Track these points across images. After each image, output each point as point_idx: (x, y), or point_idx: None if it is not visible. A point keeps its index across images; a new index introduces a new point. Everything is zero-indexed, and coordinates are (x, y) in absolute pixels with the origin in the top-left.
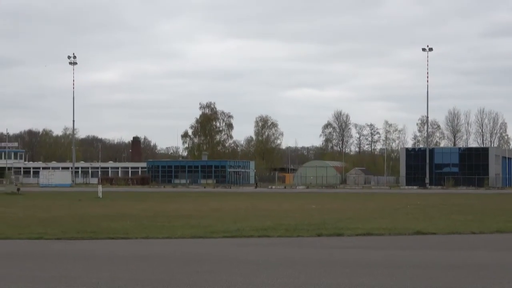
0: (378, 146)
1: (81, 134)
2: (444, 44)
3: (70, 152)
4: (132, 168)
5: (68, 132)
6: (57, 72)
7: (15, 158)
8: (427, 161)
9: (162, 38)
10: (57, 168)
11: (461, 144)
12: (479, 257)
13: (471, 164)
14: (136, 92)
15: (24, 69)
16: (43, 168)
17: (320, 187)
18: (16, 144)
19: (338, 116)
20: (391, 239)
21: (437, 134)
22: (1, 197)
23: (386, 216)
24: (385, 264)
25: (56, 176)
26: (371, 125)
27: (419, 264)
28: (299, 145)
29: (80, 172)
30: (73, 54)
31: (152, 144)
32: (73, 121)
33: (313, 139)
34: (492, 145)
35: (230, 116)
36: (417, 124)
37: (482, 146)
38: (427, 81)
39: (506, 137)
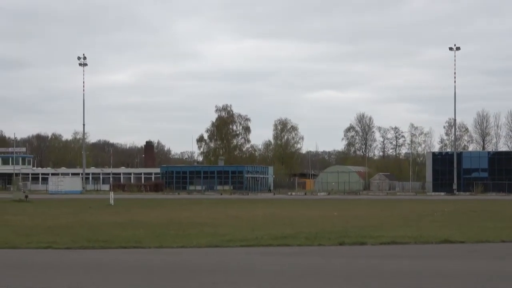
0: (403, 150)
1: (92, 138)
2: (471, 43)
3: (80, 157)
4: (145, 174)
5: (78, 137)
6: (68, 74)
7: (23, 163)
8: (455, 166)
9: (177, 38)
10: (67, 174)
11: (490, 148)
12: (510, 266)
13: (501, 169)
14: (150, 95)
15: (33, 71)
16: (52, 174)
17: (342, 193)
18: (24, 149)
19: (361, 118)
20: (417, 247)
21: (465, 137)
22: (8, 205)
23: (411, 223)
24: (411, 274)
25: (65, 182)
26: (395, 128)
27: (447, 274)
28: (320, 149)
29: (90, 178)
30: (83, 55)
31: (166, 148)
32: (84, 125)
33: (334, 143)
34: None
35: (247, 119)
36: (444, 127)
37: None
38: (455, 82)
39: None
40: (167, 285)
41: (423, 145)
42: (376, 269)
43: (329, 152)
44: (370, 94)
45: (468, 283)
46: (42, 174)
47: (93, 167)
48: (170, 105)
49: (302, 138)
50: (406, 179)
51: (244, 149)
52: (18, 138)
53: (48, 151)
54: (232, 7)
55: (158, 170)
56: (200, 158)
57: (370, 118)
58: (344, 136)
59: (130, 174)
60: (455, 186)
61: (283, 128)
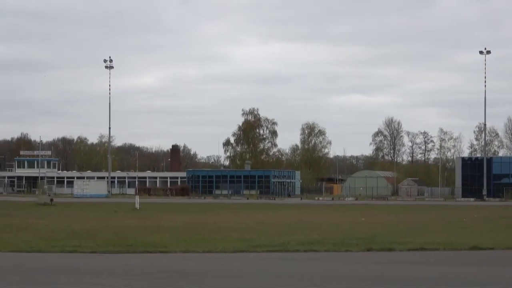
0: (432, 155)
1: (118, 142)
2: (501, 47)
3: (105, 160)
4: (171, 178)
5: (103, 140)
6: (93, 76)
7: (48, 167)
8: (485, 171)
9: (203, 41)
10: (92, 177)
11: None
12: None
13: None
14: (176, 98)
15: (58, 74)
16: (78, 177)
17: (370, 198)
18: (49, 153)
19: (389, 123)
20: (446, 254)
21: (496, 142)
22: (33, 208)
23: (440, 230)
24: (439, 281)
25: (91, 186)
26: (424, 133)
27: (476, 281)
28: (348, 154)
29: (116, 182)
30: (109, 57)
31: (192, 152)
32: (109, 128)
33: (362, 147)
34: None
35: (274, 123)
36: (474, 131)
37: None
38: (485, 86)
39: None
40: None
41: (452, 150)
42: (404, 275)
43: (357, 157)
44: (399, 98)
45: None
46: (68, 177)
47: (118, 171)
48: (196, 108)
49: (330, 142)
50: (435, 185)
51: (270, 153)
52: (44, 141)
53: (73, 154)
54: (259, 10)
55: (184, 174)
56: (227, 162)
57: (398, 123)
58: (372, 140)
59: (155, 178)
60: (484, 192)
61: (311, 132)
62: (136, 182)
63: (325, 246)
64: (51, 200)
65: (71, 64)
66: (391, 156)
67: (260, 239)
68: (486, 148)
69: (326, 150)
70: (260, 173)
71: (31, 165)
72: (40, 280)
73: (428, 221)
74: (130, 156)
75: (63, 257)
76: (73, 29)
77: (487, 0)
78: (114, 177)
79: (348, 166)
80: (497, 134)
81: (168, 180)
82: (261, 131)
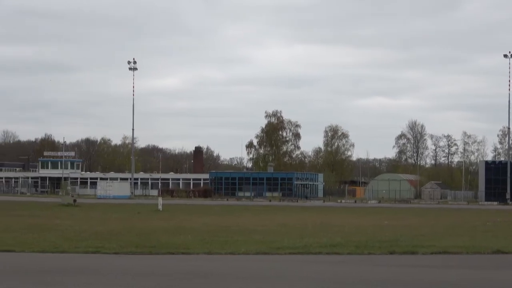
0: (456, 159)
1: (141, 143)
2: None
3: (129, 162)
4: (193, 179)
5: (127, 141)
6: (116, 78)
7: (72, 168)
8: (508, 175)
9: (226, 43)
10: (116, 179)
11: None
12: None
13: None
14: (199, 100)
15: (82, 75)
16: (101, 178)
17: (393, 201)
18: (73, 154)
19: (413, 126)
20: (468, 258)
21: None
22: (57, 209)
23: (463, 233)
24: (462, 285)
25: (114, 187)
26: (448, 136)
27: (499, 285)
28: (371, 156)
29: (139, 183)
30: (133, 59)
31: (215, 154)
32: (133, 129)
33: (385, 150)
34: None
35: (297, 125)
36: (498, 135)
37: None
38: (509, 90)
39: None
40: None
41: (476, 154)
42: (426, 279)
43: (380, 160)
44: (422, 101)
45: None
46: (91, 178)
47: (141, 172)
48: (220, 110)
49: (353, 145)
50: (458, 188)
51: (293, 156)
52: (67, 142)
53: (97, 155)
54: (282, 12)
55: (207, 176)
56: (249, 164)
57: (422, 126)
58: (396, 143)
59: (178, 179)
60: (508, 196)
61: (334, 134)
62: (159, 184)
63: (347, 249)
64: (75, 201)
65: (95, 66)
66: (414, 159)
67: (283, 241)
68: (510, 152)
69: (349, 153)
70: (283, 175)
71: (54, 166)
72: (63, 281)
73: (451, 224)
74: (153, 157)
75: (86, 258)
76: (97, 31)
77: (511, 3)
78: (137, 179)
79: (371, 169)
80: None
81: (191, 181)
82: (284, 134)
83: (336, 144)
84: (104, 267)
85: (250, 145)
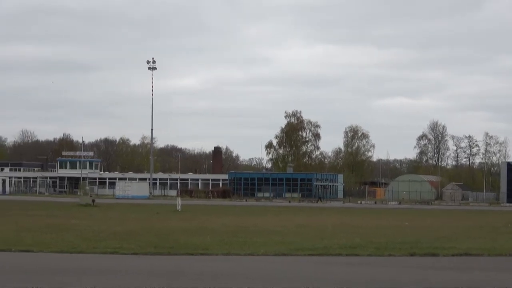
0: (477, 160)
1: (160, 143)
2: None
3: (148, 162)
4: (212, 180)
5: (146, 141)
6: (136, 78)
7: (91, 168)
8: None
9: (247, 43)
10: (134, 179)
11: None
12: None
13: None
14: (219, 100)
15: (101, 75)
16: (120, 178)
17: (414, 203)
18: (91, 153)
19: (434, 127)
20: (490, 260)
21: None
22: (75, 209)
23: (485, 235)
24: (483, 287)
25: (133, 187)
26: (469, 137)
27: None
28: (391, 157)
29: (158, 183)
30: (152, 58)
31: (234, 154)
32: (152, 129)
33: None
34: None
35: (317, 126)
36: None
37: None
38: None
39: None
40: None
41: (498, 155)
42: (447, 281)
43: (400, 161)
44: (444, 102)
45: None
46: (109, 178)
47: (160, 172)
48: (239, 110)
49: (373, 145)
50: (479, 190)
51: (313, 156)
52: (86, 142)
53: (115, 155)
54: (303, 12)
55: (226, 176)
56: (269, 165)
57: (443, 127)
58: (416, 144)
59: (197, 180)
60: None
61: (354, 135)
62: (178, 184)
63: (367, 250)
64: (93, 201)
65: (115, 65)
66: (435, 160)
67: (302, 243)
68: None
69: (369, 154)
70: (303, 176)
71: (73, 166)
72: (81, 281)
73: (472, 226)
74: (172, 157)
75: (104, 258)
76: (117, 30)
77: None
78: (156, 179)
79: (391, 170)
80: None
81: (210, 182)
82: (304, 134)
83: (356, 144)
84: (122, 268)
85: (269, 146)
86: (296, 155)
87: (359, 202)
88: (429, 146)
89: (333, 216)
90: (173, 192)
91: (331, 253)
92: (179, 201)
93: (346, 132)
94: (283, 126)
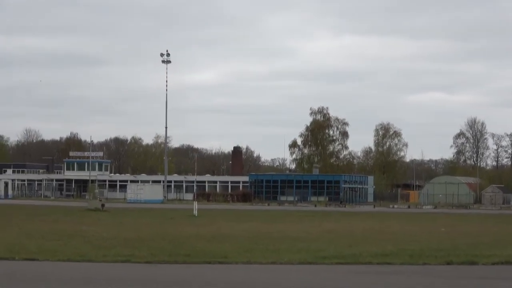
0: None
1: (175, 143)
2: None
3: (161, 163)
4: (232, 182)
5: (159, 141)
6: (148, 72)
7: (100, 169)
8: None
9: (269, 34)
10: (147, 181)
11: None
12: None
13: None
14: (238, 96)
15: (111, 69)
16: (131, 181)
17: (450, 207)
18: (101, 154)
19: (472, 124)
20: None
21: None
22: (84, 214)
23: None
24: None
25: (145, 190)
26: (511, 135)
27: None
28: (426, 157)
29: (173, 186)
30: (167, 51)
31: (255, 155)
32: (166, 128)
33: (442, 151)
34: None
35: (345, 123)
36: None
37: None
38: None
39: None
40: None
41: None
42: None
43: (435, 161)
44: (483, 97)
45: None
46: (120, 181)
47: (175, 174)
48: (261, 107)
49: (406, 145)
50: None
51: (341, 157)
52: (95, 141)
53: (127, 156)
54: (330, 1)
55: (246, 178)
56: (293, 166)
57: (482, 124)
58: (453, 143)
59: (215, 182)
60: None
61: (385, 133)
62: (194, 187)
63: (400, 259)
64: (103, 205)
65: (125, 59)
66: (473, 160)
67: (329, 250)
68: None
69: (402, 153)
70: (330, 177)
71: (81, 168)
72: None
73: None
74: (188, 158)
75: (115, 267)
76: (127, 21)
77: None
78: (170, 181)
79: (426, 171)
80: None
81: (229, 184)
82: (331, 132)
83: (387, 143)
84: (134, 278)
85: (293, 145)
86: (322, 155)
87: (391, 206)
88: (467, 145)
89: (363, 221)
90: (189, 196)
91: (361, 262)
92: (195, 205)
93: (376, 130)
94: (308, 124)
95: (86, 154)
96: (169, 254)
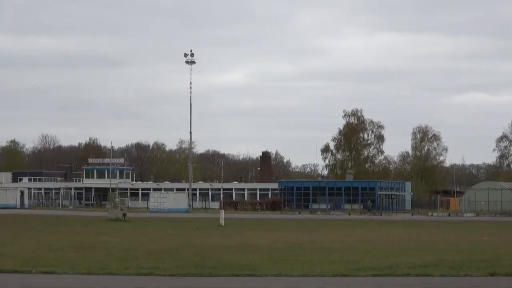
0: None
1: (200, 148)
2: None
3: (186, 170)
4: (260, 189)
5: (184, 146)
6: (171, 73)
7: (121, 177)
8: None
9: (298, 32)
10: (171, 189)
11: None
12: None
13: None
14: (266, 97)
15: (131, 70)
16: (154, 189)
17: (493, 214)
18: (122, 160)
19: None
20: None
21: None
22: (104, 224)
23: None
24: None
25: (169, 199)
26: None
27: None
28: (467, 162)
29: (198, 194)
30: (190, 51)
31: (285, 160)
32: (190, 132)
33: (484, 155)
34: None
35: (380, 126)
36: None
37: None
38: None
39: None
40: None
41: None
42: None
43: (477, 166)
44: None
45: None
46: (142, 189)
47: (200, 182)
48: (290, 109)
49: (446, 149)
50: None
51: (376, 162)
52: (115, 147)
53: (149, 162)
54: None
55: (275, 185)
56: (325, 172)
57: None
58: (496, 146)
59: (243, 190)
60: None
61: (424, 137)
62: (221, 195)
63: (440, 270)
64: (124, 215)
65: (146, 59)
66: None
67: (364, 261)
68: None
69: (442, 158)
70: (364, 184)
71: (101, 175)
72: None
73: None
74: (214, 164)
75: (137, 281)
76: (148, 19)
77: None
78: (195, 189)
79: (467, 177)
80: None
81: (258, 192)
82: (366, 136)
83: (426, 147)
84: None
85: (325, 150)
86: (356, 160)
87: (429, 214)
88: (511, 148)
89: (400, 230)
90: (216, 204)
91: (398, 273)
92: (222, 214)
93: (414, 134)
94: (341, 127)
95: (106, 160)
96: (194, 266)
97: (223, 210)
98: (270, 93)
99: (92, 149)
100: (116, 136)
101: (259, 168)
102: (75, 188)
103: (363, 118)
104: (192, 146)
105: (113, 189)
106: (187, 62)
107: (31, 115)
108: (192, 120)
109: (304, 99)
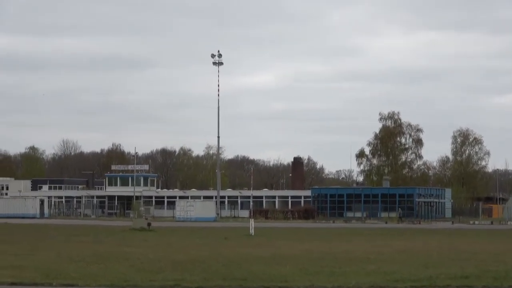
0: None
1: (228, 154)
2: None
3: (214, 177)
4: (292, 197)
5: (211, 152)
6: (198, 75)
7: (145, 184)
8: None
9: (332, 31)
10: (198, 197)
11: None
12: None
13: None
14: (298, 100)
15: (156, 72)
16: (180, 197)
17: None
18: (146, 167)
19: None
20: None
21: None
22: (128, 234)
23: None
24: None
25: (196, 207)
26: None
27: None
28: (511, 167)
29: (226, 202)
30: (218, 52)
31: (318, 166)
32: (218, 137)
33: None
34: None
35: (419, 130)
36: None
37: None
38: None
39: None
40: None
41: None
42: None
43: None
44: None
45: None
46: (168, 197)
47: (229, 189)
48: (323, 112)
49: (488, 153)
50: None
51: (414, 167)
52: (140, 153)
53: (175, 169)
54: None
55: (308, 192)
56: (360, 178)
57: None
58: None
59: (274, 197)
60: None
61: (464, 141)
62: (251, 203)
63: (483, 281)
64: (149, 224)
65: (172, 61)
66: None
67: (402, 272)
68: None
69: (484, 163)
70: (402, 191)
71: (124, 183)
72: None
73: None
74: (243, 171)
75: None
76: (174, 20)
77: None
78: (224, 197)
79: (510, 183)
80: None
81: (289, 200)
82: (403, 140)
83: (467, 152)
84: None
85: (361, 155)
86: (393, 165)
87: (471, 222)
88: None
89: (440, 239)
90: (245, 213)
91: (438, 285)
92: (252, 223)
93: (454, 137)
94: (377, 131)
95: (130, 167)
96: (223, 278)
97: (253, 219)
98: (302, 95)
99: (115, 155)
100: (140, 141)
101: (290, 175)
102: (98, 197)
103: (400, 121)
104: (220, 151)
105: (137, 197)
106: (214, 63)
107: (51, 121)
108: (220, 124)
109: (338, 101)
